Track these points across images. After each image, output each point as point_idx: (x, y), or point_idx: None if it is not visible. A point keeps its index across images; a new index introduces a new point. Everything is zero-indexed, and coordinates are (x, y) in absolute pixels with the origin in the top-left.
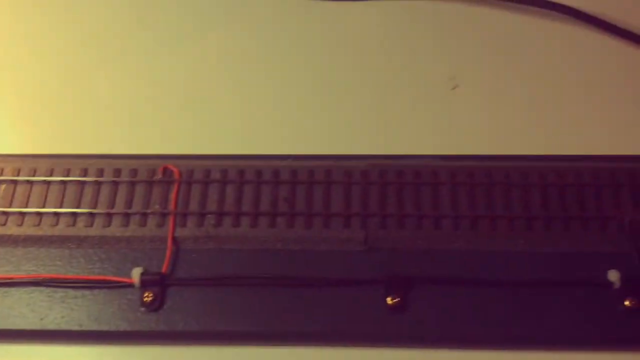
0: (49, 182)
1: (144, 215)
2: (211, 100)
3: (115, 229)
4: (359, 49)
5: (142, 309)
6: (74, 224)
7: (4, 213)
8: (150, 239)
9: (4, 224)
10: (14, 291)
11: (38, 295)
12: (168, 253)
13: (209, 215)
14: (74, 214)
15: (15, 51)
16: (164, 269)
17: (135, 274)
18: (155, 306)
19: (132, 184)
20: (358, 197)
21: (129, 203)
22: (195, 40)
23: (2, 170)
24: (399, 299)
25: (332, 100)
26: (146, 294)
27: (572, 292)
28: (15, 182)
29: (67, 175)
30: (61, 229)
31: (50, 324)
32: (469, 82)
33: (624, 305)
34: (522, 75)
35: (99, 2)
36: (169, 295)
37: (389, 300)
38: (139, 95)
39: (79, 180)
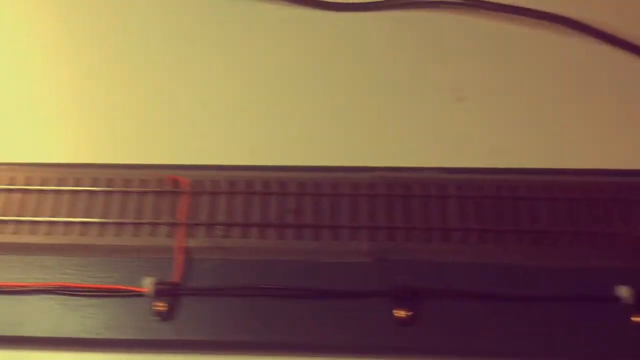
0: (60, 191)
1: (154, 225)
2: (220, 110)
3: (126, 239)
4: (365, 60)
5: (155, 318)
6: (85, 233)
7: (17, 221)
8: (160, 249)
9: (17, 232)
10: (27, 299)
11: (51, 303)
12: (179, 263)
13: (218, 226)
14: (85, 223)
15: (29, 59)
16: (176, 278)
17: (148, 283)
18: (167, 315)
19: (142, 193)
20: (365, 209)
21: (139, 213)
22: (206, 51)
23: (14, 178)
24: (407, 311)
25: (339, 111)
26: (158, 303)
27: (582, 307)
28: (27, 191)
29: (78, 185)
30: (73, 237)
31: (64, 332)
32: (475, 94)
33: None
34: (530, 87)
35: (113, 12)
36: (181, 305)
37: (397, 312)
38: (149, 105)
39: (89, 190)
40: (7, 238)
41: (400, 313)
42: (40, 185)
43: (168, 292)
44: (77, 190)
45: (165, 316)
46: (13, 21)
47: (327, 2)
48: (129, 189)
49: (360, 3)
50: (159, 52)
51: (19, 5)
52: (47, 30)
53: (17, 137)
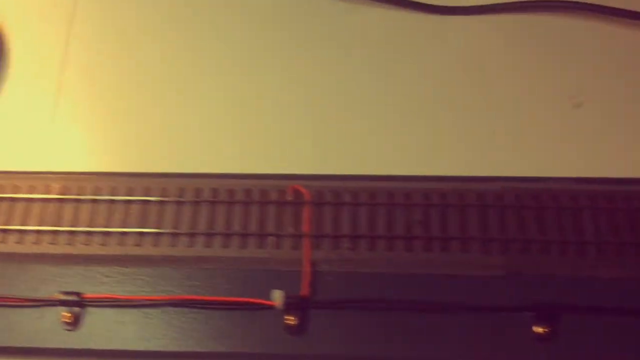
0: (182, 202)
1: (278, 236)
2: (340, 120)
3: (251, 251)
4: (483, 66)
5: (285, 331)
6: (209, 245)
7: (140, 234)
8: (285, 261)
9: (139, 245)
10: (154, 312)
11: (180, 316)
12: (306, 276)
13: (344, 238)
14: (209, 235)
15: (116, 70)
16: (304, 291)
17: (277, 297)
18: (298, 329)
19: (264, 204)
20: (495, 220)
21: (262, 224)
22: (321, 61)
23: (149, 189)
24: (547, 327)
25: (463, 121)
26: (289, 317)
27: None
28: (147, 202)
29: (199, 197)
30: (198, 250)
31: (193, 346)
32: (595, 99)
33: None
34: None
35: (198, 23)
36: (310, 318)
37: (536, 329)
38: (270, 116)
39: (211, 201)
40: (132, 250)
41: (539, 329)
42: (161, 197)
43: (298, 305)
44: (199, 201)
45: (295, 330)
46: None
47: (439, 6)
48: (251, 200)
49: (473, 7)
50: (272, 61)
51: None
52: (134, 38)
53: (146, 148)
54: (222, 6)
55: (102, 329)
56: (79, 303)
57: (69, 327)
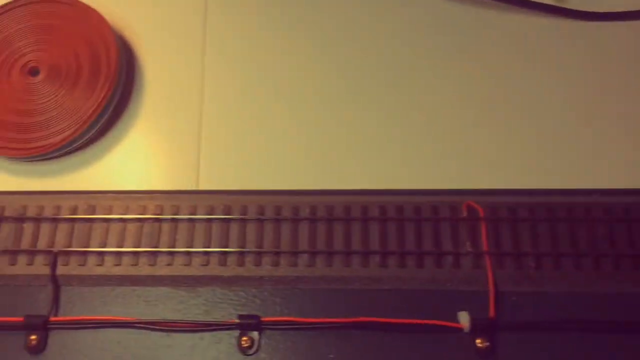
0: (350, 220)
1: (455, 255)
2: (505, 133)
3: (428, 270)
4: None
5: (476, 355)
6: (384, 265)
7: (312, 253)
8: (465, 281)
9: (312, 265)
10: (331, 334)
11: (361, 339)
12: (492, 296)
13: (527, 256)
14: (384, 254)
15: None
16: (492, 313)
17: (464, 319)
18: (488, 352)
19: (437, 221)
20: None
21: (437, 242)
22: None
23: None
24: None
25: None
26: (478, 340)
27: None
28: (314, 220)
29: (367, 214)
30: (372, 270)
31: None
32: None
33: None
34: None
35: (333, 39)
36: (498, 341)
37: None
38: (434, 131)
39: (380, 219)
40: (305, 271)
41: None
42: (342, 216)
43: (486, 327)
44: (366, 219)
45: (486, 353)
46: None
47: (582, 12)
48: (422, 217)
49: (617, 12)
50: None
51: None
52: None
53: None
54: (356, 29)
55: (280, 353)
56: (257, 326)
57: (247, 352)
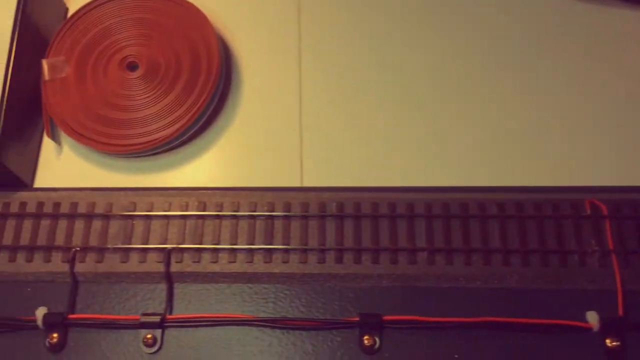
0: (468, 217)
1: (580, 254)
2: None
3: (555, 268)
4: None
5: (605, 356)
6: (507, 264)
7: (431, 251)
8: (591, 279)
9: (433, 263)
10: (452, 333)
11: (483, 339)
12: (620, 295)
13: None
14: (507, 252)
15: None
16: (620, 312)
17: (593, 318)
18: (619, 352)
19: (558, 219)
20: None
21: (560, 240)
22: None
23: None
24: None
25: None
26: (608, 340)
27: None
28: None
29: (485, 212)
30: (474, 268)
31: None
32: None
33: None
34: None
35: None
36: (629, 341)
37: None
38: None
39: (500, 216)
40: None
41: None
42: (441, 213)
43: (616, 327)
44: (485, 216)
45: (616, 353)
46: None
47: None
48: (543, 215)
49: None
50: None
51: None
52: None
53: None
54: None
55: (403, 353)
56: (378, 325)
57: (369, 351)
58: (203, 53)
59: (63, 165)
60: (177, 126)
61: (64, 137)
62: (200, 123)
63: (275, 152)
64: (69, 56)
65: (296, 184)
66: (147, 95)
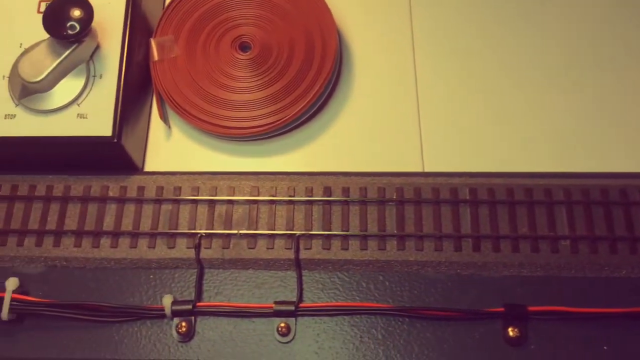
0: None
1: None
2: None
3: None
4: None
5: None
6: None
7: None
8: None
9: (575, 252)
10: (599, 324)
11: (633, 329)
12: None
13: None
14: None
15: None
16: None
17: None
18: None
19: None
20: None
21: None
22: None
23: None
24: None
25: None
26: None
27: None
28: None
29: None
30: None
31: None
32: None
33: None
34: None
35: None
36: None
37: None
38: None
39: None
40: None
41: None
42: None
43: None
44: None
45: None
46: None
47: None
48: None
49: None
50: None
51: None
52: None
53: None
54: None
55: (550, 344)
56: (523, 316)
57: (514, 342)
58: (318, 42)
59: (172, 148)
60: (293, 111)
61: (173, 120)
62: (314, 109)
63: (393, 138)
64: (177, 34)
65: (418, 169)
66: (257, 79)
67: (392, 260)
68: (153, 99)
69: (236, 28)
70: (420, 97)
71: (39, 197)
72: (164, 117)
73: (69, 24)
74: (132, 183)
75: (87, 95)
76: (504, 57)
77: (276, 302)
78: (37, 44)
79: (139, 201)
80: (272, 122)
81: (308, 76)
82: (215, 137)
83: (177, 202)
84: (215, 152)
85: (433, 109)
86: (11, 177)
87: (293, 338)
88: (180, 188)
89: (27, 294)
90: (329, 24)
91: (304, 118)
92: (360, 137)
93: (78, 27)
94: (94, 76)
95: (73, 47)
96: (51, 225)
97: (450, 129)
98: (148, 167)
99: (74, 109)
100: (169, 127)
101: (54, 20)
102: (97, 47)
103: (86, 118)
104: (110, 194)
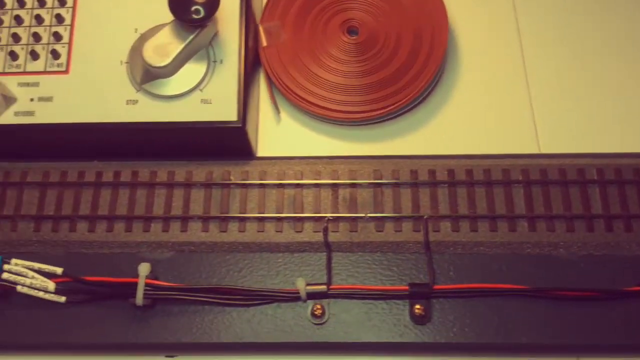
0: None
1: None
2: None
3: None
4: None
5: None
6: None
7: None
8: None
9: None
10: None
11: None
12: None
13: None
14: None
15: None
16: None
17: None
18: None
19: None
20: None
21: None
22: None
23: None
24: None
25: None
26: None
27: None
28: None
29: None
30: None
31: None
32: None
33: None
34: None
35: None
36: None
37: None
38: None
39: None
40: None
41: None
42: None
43: None
44: None
45: None
46: None
47: None
48: None
49: None
50: None
51: None
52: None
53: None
54: None
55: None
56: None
57: None
58: (427, 34)
59: (283, 133)
60: (406, 95)
61: (281, 104)
62: (426, 94)
63: (505, 120)
64: (284, 17)
65: (534, 150)
66: (365, 64)
67: (525, 242)
68: (260, 84)
69: (346, 12)
70: (530, 79)
71: (161, 183)
72: (274, 102)
73: (193, 8)
74: (253, 168)
75: (209, 81)
76: (610, 38)
77: (410, 284)
78: (156, 29)
79: (262, 186)
80: (385, 107)
81: (418, 61)
82: (321, 120)
83: (300, 186)
84: (326, 136)
85: (544, 91)
86: (132, 163)
87: (429, 320)
88: (301, 172)
89: (156, 279)
90: (441, 24)
91: (415, 103)
92: (476, 120)
93: (202, 11)
94: (215, 61)
95: (197, 31)
96: (176, 211)
97: (563, 110)
98: (261, 153)
99: (197, 95)
100: (279, 112)
101: (180, 3)
102: (216, 33)
103: (210, 103)
104: (232, 179)
